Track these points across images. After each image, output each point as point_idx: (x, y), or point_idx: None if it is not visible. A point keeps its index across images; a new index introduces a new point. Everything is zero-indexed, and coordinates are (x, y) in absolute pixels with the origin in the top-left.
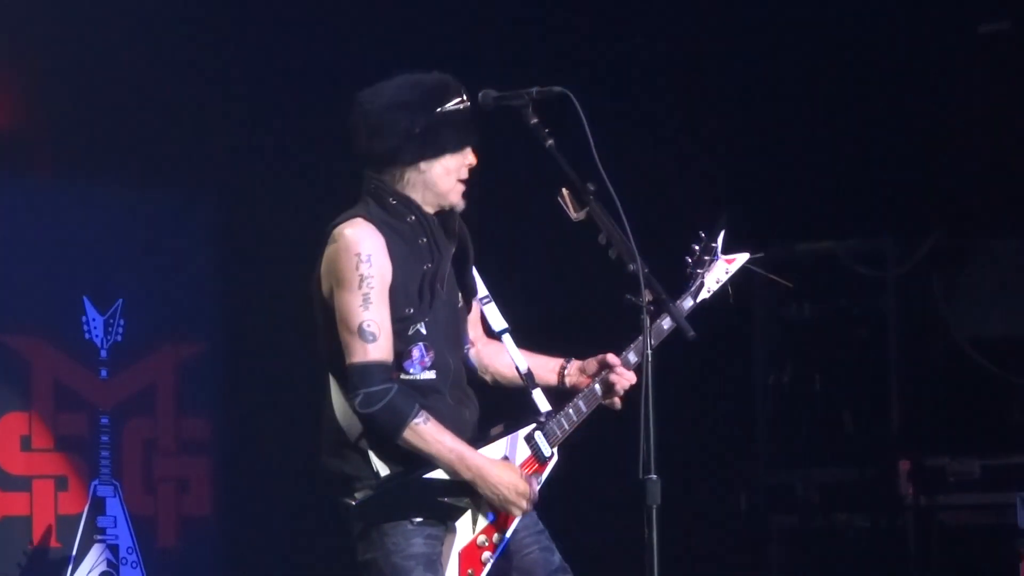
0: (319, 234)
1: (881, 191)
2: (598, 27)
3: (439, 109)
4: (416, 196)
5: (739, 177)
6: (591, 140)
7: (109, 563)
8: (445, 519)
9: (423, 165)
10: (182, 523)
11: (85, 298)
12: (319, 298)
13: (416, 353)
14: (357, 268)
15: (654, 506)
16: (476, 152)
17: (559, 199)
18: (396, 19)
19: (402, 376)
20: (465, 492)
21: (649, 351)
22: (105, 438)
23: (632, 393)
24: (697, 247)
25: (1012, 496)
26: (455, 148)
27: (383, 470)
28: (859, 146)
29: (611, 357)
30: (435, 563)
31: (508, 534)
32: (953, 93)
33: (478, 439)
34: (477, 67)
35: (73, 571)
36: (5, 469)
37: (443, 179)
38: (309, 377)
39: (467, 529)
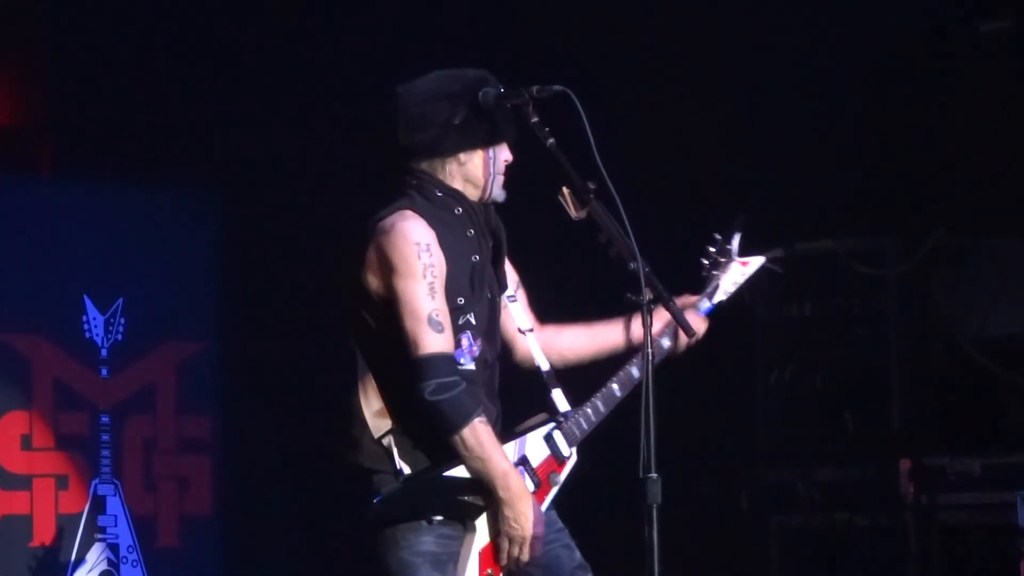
0: (318, 232)
1: (881, 190)
2: (597, 25)
3: (481, 102)
4: (460, 187)
5: (739, 176)
6: (591, 139)
7: (110, 562)
8: (464, 518)
9: (463, 156)
10: (182, 522)
11: (86, 297)
12: (363, 290)
13: (465, 342)
14: (419, 257)
15: (654, 505)
16: (513, 148)
17: (560, 198)
18: (397, 20)
19: None
20: (485, 491)
21: (649, 349)
22: (106, 437)
23: (633, 392)
24: (713, 249)
25: (1013, 495)
26: (494, 141)
27: (405, 469)
28: (859, 145)
29: (689, 297)
30: (444, 563)
31: None
32: (954, 92)
33: (534, 427)
34: (476, 65)
35: (74, 570)
36: (5, 468)
37: (483, 169)
38: (308, 375)
39: (487, 528)
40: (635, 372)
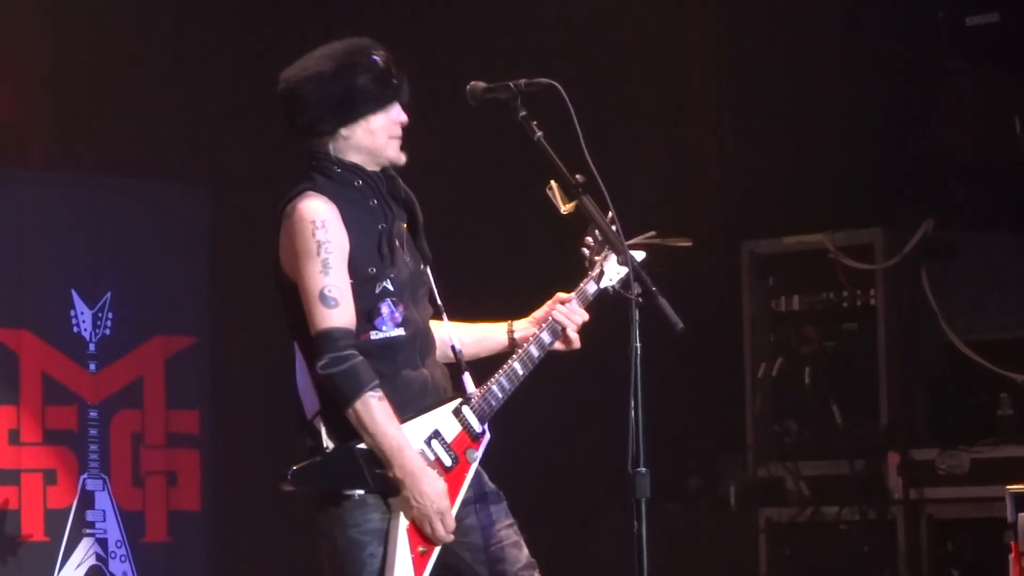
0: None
1: (870, 183)
2: (586, 18)
3: (348, 75)
4: (357, 160)
5: (728, 170)
6: (579, 132)
7: (98, 556)
8: (385, 493)
9: (344, 131)
10: (171, 517)
11: (73, 292)
12: (281, 276)
13: (386, 310)
14: (314, 235)
15: (643, 499)
16: (406, 108)
17: (548, 192)
18: (388, 13)
19: (373, 335)
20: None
21: (637, 343)
22: (94, 432)
23: (620, 384)
24: (590, 239)
25: (1001, 489)
26: (373, 109)
27: (331, 447)
28: (848, 138)
29: (562, 295)
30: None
31: (456, 505)
32: (943, 86)
33: (438, 403)
34: (467, 59)
35: (62, 565)
36: None
37: (369, 139)
38: None
39: (410, 504)
40: (534, 351)
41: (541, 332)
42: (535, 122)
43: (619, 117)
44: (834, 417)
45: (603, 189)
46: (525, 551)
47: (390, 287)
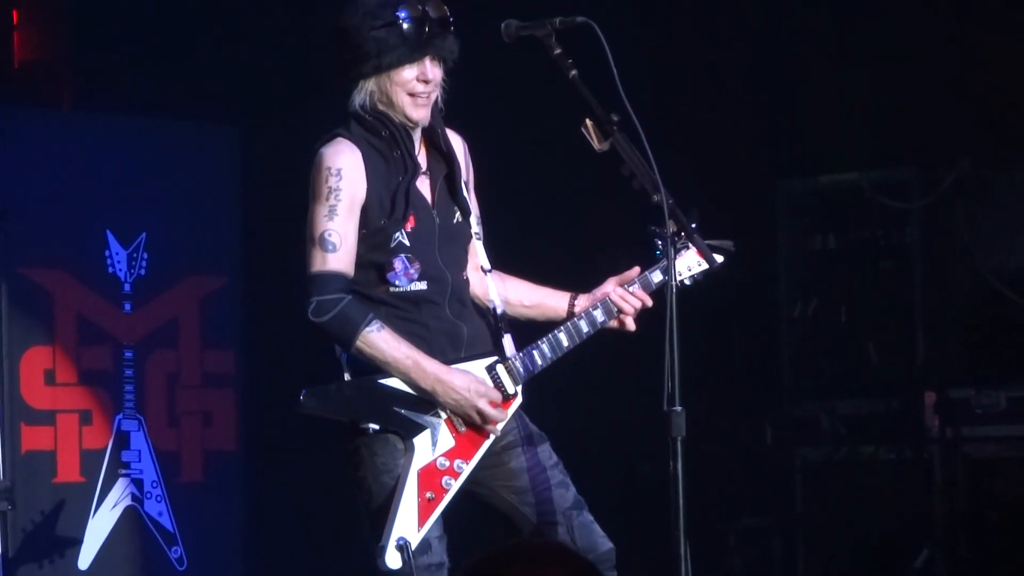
0: None
1: (905, 122)
2: None
3: (367, 28)
4: (385, 109)
5: (762, 109)
6: (615, 71)
7: (134, 497)
8: (401, 431)
9: (370, 84)
10: (206, 457)
11: (108, 232)
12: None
13: (399, 265)
14: (327, 181)
15: (679, 438)
16: (440, 62)
17: (583, 130)
18: None
19: (390, 289)
20: (421, 407)
21: (674, 282)
22: (129, 372)
23: (656, 324)
24: (662, 230)
25: None
26: (393, 65)
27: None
28: (883, 76)
29: (625, 276)
30: None
31: (473, 462)
32: (978, 23)
33: (473, 356)
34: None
35: (98, 505)
36: (29, 403)
37: (388, 93)
38: None
39: (426, 448)
40: (584, 326)
41: (595, 309)
42: (570, 60)
43: (654, 55)
44: (869, 356)
45: (639, 128)
46: (572, 490)
47: (405, 242)
